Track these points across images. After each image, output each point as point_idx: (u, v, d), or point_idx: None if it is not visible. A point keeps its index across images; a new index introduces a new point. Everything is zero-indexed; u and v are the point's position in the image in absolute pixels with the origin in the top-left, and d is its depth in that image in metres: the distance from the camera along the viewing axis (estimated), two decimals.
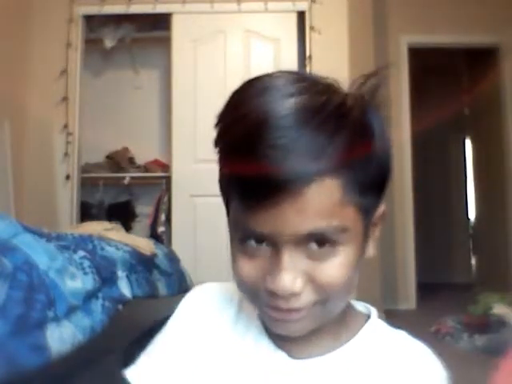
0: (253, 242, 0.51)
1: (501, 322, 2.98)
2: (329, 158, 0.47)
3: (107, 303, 1.59)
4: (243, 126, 0.48)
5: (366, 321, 0.60)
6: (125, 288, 1.80)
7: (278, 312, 0.51)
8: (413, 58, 4.40)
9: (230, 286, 0.63)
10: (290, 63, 3.64)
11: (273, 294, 0.50)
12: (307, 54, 3.68)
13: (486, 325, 3.03)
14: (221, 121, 0.52)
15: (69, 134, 3.70)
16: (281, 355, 0.57)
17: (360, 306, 0.62)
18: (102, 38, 4.08)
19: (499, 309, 3.07)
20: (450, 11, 4.32)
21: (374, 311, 0.61)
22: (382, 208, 0.57)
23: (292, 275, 0.49)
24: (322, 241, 0.49)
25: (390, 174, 0.54)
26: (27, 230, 1.44)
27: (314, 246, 0.49)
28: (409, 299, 4.27)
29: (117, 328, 1.65)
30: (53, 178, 3.72)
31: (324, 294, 0.51)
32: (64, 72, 3.70)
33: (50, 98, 3.68)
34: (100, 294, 1.57)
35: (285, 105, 0.48)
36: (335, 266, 0.50)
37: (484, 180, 5.31)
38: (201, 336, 0.61)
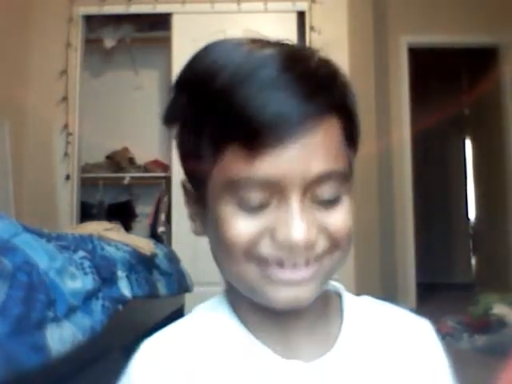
0: (256, 199, 0.46)
1: (501, 322, 2.98)
2: (333, 95, 0.47)
3: (107, 303, 1.59)
4: (240, 72, 0.45)
5: (339, 298, 0.58)
6: (125, 288, 1.80)
7: (286, 270, 0.47)
8: (413, 58, 4.41)
9: (172, 330, 0.55)
10: None
11: (284, 248, 0.46)
12: None
13: (486, 325, 3.03)
14: (199, 78, 0.48)
15: (69, 134, 3.71)
16: (292, 362, 0.51)
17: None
18: (102, 38, 4.08)
19: (499, 309, 3.07)
20: (450, 11, 4.32)
21: (341, 286, 0.59)
22: (352, 173, 0.56)
23: (304, 223, 0.46)
24: (328, 188, 0.48)
25: (359, 137, 0.54)
26: (27, 230, 1.44)
27: (321, 193, 0.48)
28: (409, 299, 4.27)
29: (117, 328, 1.65)
30: (53, 178, 3.72)
31: (334, 243, 0.49)
32: (64, 72, 3.71)
33: (50, 98, 3.68)
34: (100, 294, 1.57)
35: (271, 51, 0.47)
36: (342, 213, 0.50)
37: (484, 180, 5.31)
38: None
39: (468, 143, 5.95)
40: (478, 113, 5.26)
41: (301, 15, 3.74)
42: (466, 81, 5.64)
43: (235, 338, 0.53)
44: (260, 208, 0.47)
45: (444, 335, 3.08)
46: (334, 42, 3.72)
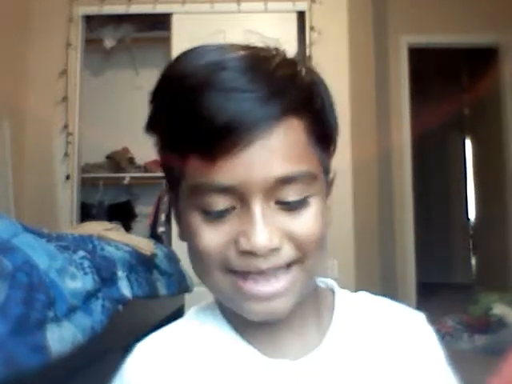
0: (218, 205, 0.46)
1: (501, 322, 2.99)
2: (291, 97, 0.46)
3: (107, 303, 1.59)
4: (196, 76, 0.45)
5: (332, 295, 0.57)
6: (125, 288, 1.80)
7: (255, 283, 0.46)
8: (413, 58, 4.41)
9: (164, 333, 0.56)
10: None
11: (249, 256, 0.45)
12: (307, 54, 3.68)
13: (486, 325, 3.03)
14: (163, 87, 0.49)
15: (69, 134, 3.70)
16: (279, 362, 0.52)
17: (319, 283, 0.59)
18: (102, 38, 4.08)
19: (499, 309, 3.07)
20: (450, 11, 4.32)
21: (334, 283, 0.59)
22: (332, 174, 0.55)
23: (267, 229, 0.45)
24: (292, 191, 0.46)
25: (336, 136, 0.53)
26: (27, 230, 1.44)
27: (284, 196, 0.46)
28: (409, 299, 4.27)
29: (117, 328, 1.65)
30: (53, 178, 3.72)
31: (301, 250, 0.47)
32: (64, 72, 3.70)
33: (50, 98, 3.68)
34: (100, 294, 1.57)
35: (237, 55, 0.48)
36: (309, 218, 0.47)
37: (484, 180, 5.31)
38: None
39: (468, 143, 5.94)
40: (478, 113, 5.26)
41: (301, 15, 3.74)
42: (466, 81, 5.63)
43: (223, 340, 0.53)
44: (223, 215, 0.46)
45: (444, 335, 3.08)
46: (333, 42, 3.72)
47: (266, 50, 0.52)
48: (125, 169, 4.15)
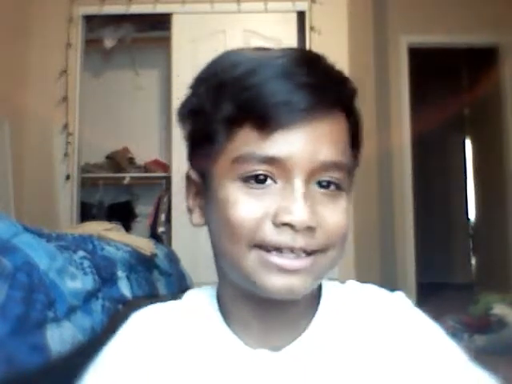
0: (262, 174, 0.48)
1: (501, 322, 2.98)
2: (345, 93, 0.51)
3: (107, 303, 1.59)
4: (259, 61, 0.49)
5: (320, 287, 0.58)
6: (125, 288, 1.80)
7: (284, 262, 0.48)
8: (413, 58, 4.40)
9: (167, 306, 0.60)
10: None
11: (284, 231, 0.47)
12: None
13: (486, 325, 3.03)
14: (221, 68, 0.52)
15: (69, 134, 3.70)
16: (261, 352, 0.53)
17: None
18: (102, 38, 4.08)
19: (499, 309, 3.07)
20: (450, 11, 4.32)
21: None
22: (353, 177, 0.57)
23: (308, 207, 0.47)
24: (333, 177, 0.50)
25: (362, 147, 0.56)
26: (27, 230, 1.44)
27: (325, 181, 0.49)
28: (409, 299, 4.27)
29: (117, 328, 1.65)
30: (53, 178, 3.72)
31: (329, 239, 0.49)
32: (64, 72, 3.70)
33: (50, 98, 3.67)
34: (100, 294, 1.57)
35: (286, 52, 0.51)
36: (340, 210, 0.50)
37: (484, 180, 5.31)
38: (156, 354, 0.56)
39: (468, 143, 5.94)
40: (478, 113, 5.26)
41: (301, 15, 3.74)
42: (466, 81, 5.63)
43: (210, 328, 0.56)
44: (266, 187, 0.48)
45: None
46: (333, 42, 3.72)
47: (313, 52, 0.55)
48: (125, 169, 4.15)
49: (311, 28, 3.68)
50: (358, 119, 0.54)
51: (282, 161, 0.47)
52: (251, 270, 0.49)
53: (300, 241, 0.47)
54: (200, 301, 0.58)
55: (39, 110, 3.61)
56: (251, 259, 0.49)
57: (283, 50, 0.52)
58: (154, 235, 3.81)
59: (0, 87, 3.25)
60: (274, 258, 0.48)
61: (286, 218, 0.47)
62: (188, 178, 0.56)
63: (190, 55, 3.69)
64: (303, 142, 0.47)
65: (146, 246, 2.27)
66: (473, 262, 5.86)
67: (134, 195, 4.27)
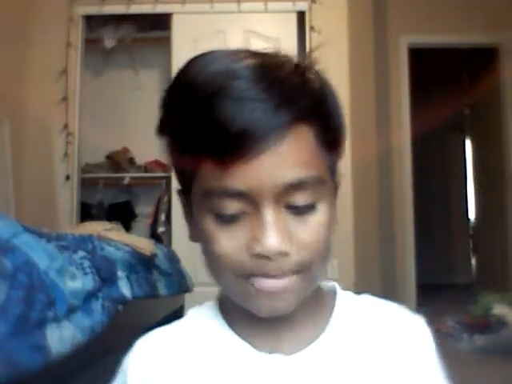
0: (231, 209, 0.48)
1: (501, 322, 2.99)
2: (301, 105, 0.48)
3: (107, 303, 1.59)
4: (210, 85, 0.47)
5: (334, 296, 0.59)
6: (125, 288, 1.80)
7: (266, 281, 0.48)
8: (413, 58, 4.41)
9: (170, 328, 0.60)
10: None
11: (260, 259, 0.47)
12: (307, 54, 3.67)
13: (486, 325, 3.03)
14: (176, 94, 0.50)
15: (69, 134, 3.70)
16: (275, 356, 0.53)
17: (322, 285, 0.61)
18: (102, 38, 4.08)
19: (499, 309, 3.07)
20: (450, 11, 4.32)
21: (336, 285, 0.61)
22: (339, 176, 0.57)
23: (278, 233, 0.47)
24: (301, 195, 0.48)
25: (344, 141, 0.55)
26: (27, 230, 1.43)
27: (294, 200, 0.48)
28: (409, 299, 4.27)
29: (117, 328, 1.65)
30: (53, 178, 3.72)
31: (308, 256, 0.49)
32: (64, 72, 3.71)
33: (50, 98, 3.68)
34: (100, 294, 1.57)
35: (248, 62, 0.48)
36: (316, 224, 0.49)
37: (484, 180, 5.31)
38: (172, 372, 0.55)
39: (468, 143, 5.94)
40: (478, 113, 5.26)
41: (301, 15, 3.74)
42: (466, 81, 5.63)
43: (219, 337, 0.56)
44: (236, 219, 0.48)
45: (444, 335, 3.08)
46: (333, 42, 3.72)
47: (276, 56, 0.52)
48: (125, 169, 4.15)
49: (311, 28, 3.68)
50: (330, 117, 0.52)
51: (245, 193, 0.47)
52: (238, 297, 0.51)
53: (277, 267, 0.48)
54: (202, 316, 0.59)
55: (39, 109, 3.62)
56: (237, 287, 0.50)
57: (241, 64, 0.48)
58: (154, 235, 3.81)
59: (0, 87, 3.25)
60: (257, 282, 0.48)
61: (258, 249, 0.47)
62: (178, 195, 0.57)
63: (190, 55, 3.68)
64: (263, 170, 0.46)
65: (146, 246, 2.27)
66: (473, 262, 5.86)
67: (133, 195, 4.27)
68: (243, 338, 0.55)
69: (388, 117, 4.30)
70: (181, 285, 2.67)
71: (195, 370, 0.54)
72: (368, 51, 3.96)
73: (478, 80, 4.93)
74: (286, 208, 0.48)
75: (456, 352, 2.89)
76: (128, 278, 1.87)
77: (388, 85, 4.34)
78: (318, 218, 0.50)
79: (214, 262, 0.50)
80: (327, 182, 0.51)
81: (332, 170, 0.53)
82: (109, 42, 4.09)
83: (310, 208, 0.49)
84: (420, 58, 4.51)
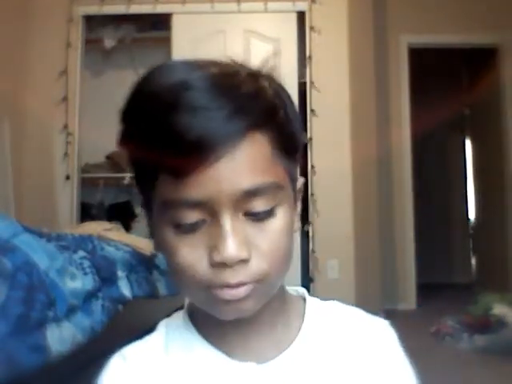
0: (189, 219, 0.48)
1: (501, 322, 2.98)
2: (254, 113, 0.48)
3: (107, 303, 1.59)
4: (163, 96, 0.47)
5: (303, 303, 0.60)
6: (125, 288, 1.80)
7: (226, 290, 0.49)
8: (413, 58, 4.41)
9: (142, 342, 0.60)
10: (290, 63, 3.64)
11: (220, 268, 0.48)
12: (307, 54, 3.68)
13: (486, 325, 3.03)
14: (133, 106, 0.50)
15: (69, 134, 3.70)
16: (248, 365, 0.54)
17: (291, 291, 0.62)
18: (102, 38, 4.07)
19: (499, 309, 3.07)
20: (450, 11, 4.32)
21: (305, 291, 0.62)
22: (301, 180, 0.58)
23: (237, 240, 0.47)
24: (259, 202, 0.49)
25: (301, 145, 0.56)
26: (27, 230, 1.43)
27: (252, 207, 0.49)
28: (409, 299, 4.27)
29: (117, 328, 1.65)
30: (53, 178, 3.72)
31: (267, 263, 0.49)
32: (64, 72, 3.70)
33: (50, 98, 3.67)
34: (100, 294, 1.57)
35: (202, 73, 0.49)
36: (276, 230, 0.50)
37: (484, 180, 5.31)
38: None
39: (468, 143, 5.94)
40: (478, 113, 5.26)
41: (301, 15, 3.74)
42: (465, 81, 5.63)
43: (191, 347, 0.57)
44: (194, 229, 0.49)
45: (444, 335, 3.08)
46: (333, 42, 3.72)
47: (232, 65, 0.52)
48: (125, 169, 4.15)
49: (311, 28, 3.68)
50: (284, 124, 0.52)
51: (203, 202, 0.47)
52: (203, 305, 0.52)
53: (237, 275, 0.48)
54: (174, 327, 0.59)
55: (39, 109, 3.61)
56: (200, 296, 0.51)
57: (194, 74, 0.49)
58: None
59: (0, 87, 3.25)
60: (218, 293, 0.49)
61: (217, 258, 0.47)
62: (142, 206, 0.57)
63: (190, 55, 3.67)
64: (220, 178, 0.47)
65: (146, 246, 2.27)
66: (473, 262, 5.86)
67: (133, 195, 4.26)
68: (216, 347, 0.56)
69: (388, 117, 4.30)
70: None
71: (171, 382, 0.55)
72: (368, 51, 3.95)
73: (478, 80, 4.93)
74: (244, 215, 0.49)
75: (456, 352, 2.89)
76: (128, 277, 1.87)
77: (388, 85, 4.34)
78: (277, 224, 0.50)
79: (176, 272, 0.51)
80: (286, 188, 0.52)
81: (291, 175, 0.54)
82: (109, 42, 4.08)
83: (268, 214, 0.49)
84: (420, 58, 4.51)
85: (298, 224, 0.56)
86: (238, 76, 0.50)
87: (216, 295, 0.49)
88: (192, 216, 0.48)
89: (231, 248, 0.47)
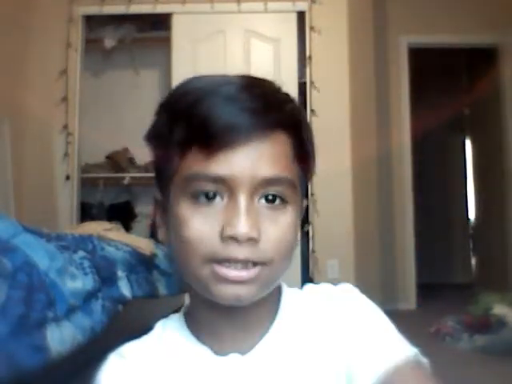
0: (209, 192, 0.53)
1: (501, 322, 2.98)
2: (285, 114, 0.56)
3: (107, 303, 1.59)
4: (205, 87, 0.54)
5: (280, 294, 0.63)
6: (125, 288, 1.80)
7: (230, 273, 0.52)
8: (413, 58, 4.41)
9: (139, 341, 0.63)
10: (290, 63, 3.64)
11: (229, 243, 0.52)
12: (307, 54, 3.68)
13: (486, 325, 3.03)
14: (173, 98, 0.57)
15: (69, 134, 3.70)
16: (231, 357, 0.58)
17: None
18: (102, 38, 4.07)
19: (499, 309, 3.07)
20: (450, 11, 4.32)
21: (282, 283, 0.64)
22: (305, 202, 0.62)
23: (250, 220, 0.52)
24: (274, 194, 0.54)
25: (313, 168, 0.61)
26: (27, 230, 1.44)
27: (268, 196, 0.54)
28: (409, 299, 4.27)
29: (117, 328, 1.65)
30: (53, 178, 3.72)
31: (272, 252, 0.53)
32: (64, 72, 3.71)
33: (50, 98, 3.68)
34: (100, 294, 1.57)
35: (237, 76, 0.57)
36: (285, 224, 0.54)
37: (484, 180, 5.31)
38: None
39: (468, 143, 5.94)
40: (478, 113, 5.26)
41: (301, 15, 3.74)
42: (466, 81, 5.63)
43: (182, 344, 0.60)
44: (212, 203, 0.53)
45: (444, 335, 3.08)
46: (333, 42, 3.72)
47: (265, 79, 0.59)
48: (125, 169, 4.15)
49: (311, 28, 3.68)
50: (305, 136, 0.58)
51: (225, 179, 0.52)
52: (205, 282, 0.54)
53: (244, 252, 0.52)
54: (170, 328, 0.63)
55: (39, 109, 3.61)
56: (205, 272, 0.54)
57: (232, 77, 0.57)
58: (154, 235, 3.81)
59: (0, 87, 3.25)
60: (223, 270, 0.53)
61: (230, 232, 0.51)
62: (155, 198, 0.62)
63: (190, 55, 3.69)
64: (244, 161, 0.52)
65: (146, 246, 2.27)
66: (473, 262, 5.86)
67: (133, 195, 4.27)
68: (206, 345, 0.59)
69: (388, 117, 4.30)
70: (181, 285, 2.67)
71: (163, 380, 0.58)
72: (368, 51, 3.96)
73: (478, 80, 4.93)
74: (259, 202, 0.54)
75: (456, 352, 2.89)
76: (128, 277, 1.87)
77: (388, 85, 4.34)
78: (287, 218, 0.55)
79: (183, 248, 0.54)
80: (297, 191, 0.57)
81: (301, 185, 0.58)
82: (109, 42, 4.08)
83: (281, 205, 0.54)
84: (420, 58, 4.51)
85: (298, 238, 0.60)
86: (272, 84, 0.58)
87: (220, 272, 0.52)
88: (212, 189, 0.53)
89: (244, 224, 0.51)
